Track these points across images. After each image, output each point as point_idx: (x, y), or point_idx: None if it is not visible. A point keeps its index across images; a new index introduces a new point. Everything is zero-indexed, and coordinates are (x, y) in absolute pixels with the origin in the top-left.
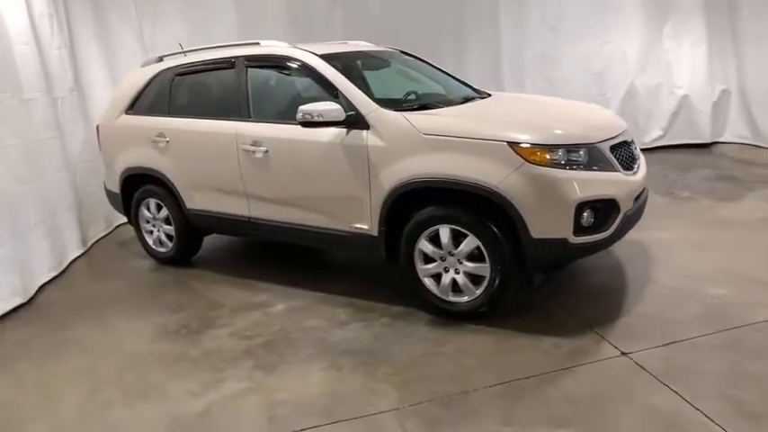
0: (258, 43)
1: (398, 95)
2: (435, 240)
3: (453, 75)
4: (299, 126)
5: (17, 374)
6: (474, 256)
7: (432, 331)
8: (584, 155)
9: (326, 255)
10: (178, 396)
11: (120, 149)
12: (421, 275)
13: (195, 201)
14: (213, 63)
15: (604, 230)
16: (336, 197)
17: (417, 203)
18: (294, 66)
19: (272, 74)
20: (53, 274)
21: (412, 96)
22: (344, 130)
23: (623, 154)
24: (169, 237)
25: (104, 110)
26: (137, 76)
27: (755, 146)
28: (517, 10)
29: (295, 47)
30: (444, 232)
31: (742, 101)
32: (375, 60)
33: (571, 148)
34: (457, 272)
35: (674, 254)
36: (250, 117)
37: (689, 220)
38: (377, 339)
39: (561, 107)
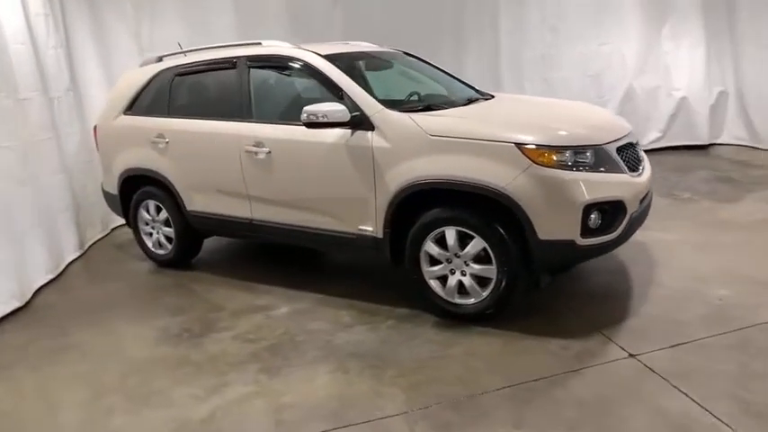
0: (260, 43)
1: (401, 96)
2: (441, 242)
3: (455, 76)
4: (303, 127)
5: (16, 380)
6: (480, 258)
7: (438, 333)
8: (591, 156)
9: (327, 257)
10: (182, 401)
11: (119, 150)
12: (426, 277)
13: (196, 202)
14: (214, 63)
15: (611, 232)
16: (340, 199)
17: (423, 205)
18: (297, 66)
19: (274, 74)
20: (50, 276)
21: (414, 97)
22: (349, 131)
23: (629, 155)
24: (168, 239)
25: (102, 110)
26: (135, 76)
27: (752, 147)
28: (517, 11)
29: (298, 47)
30: (450, 234)
31: (739, 103)
32: (378, 61)
33: (578, 150)
34: (463, 274)
35: (676, 255)
36: (252, 118)
37: (690, 222)
38: (383, 342)
39: (566, 109)
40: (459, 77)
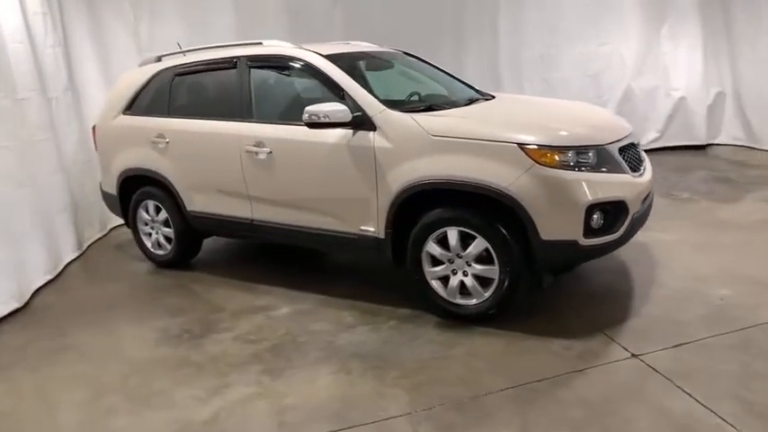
0: (261, 43)
1: (402, 97)
2: (443, 242)
3: (455, 76)
4: (304, 127)
5: (15, 380)
6: (482, 259)
7: (440, 334)
8: (594, 156)
9: (326, 257)
10: (184, 402)
11: (118, 150)
12: (428, 278)
13: (196, 203)
14: (215, 63)
15: (614, 232)
16: (342, 199)
17: (425, 205)
18: (298, 66)
19: (275, 74)
20: (48, 277)
21: (415, 97)
22: (351, 131)
23: (630, 156)
24: (168, 239)
25: (101, 110)
26: (135, 76)
27: (749, 147)
28: (516, 11)
29: (299, 47)
30: (452, 234)
31: (736, 103)
32: (378, 61)
33: (581, 150)
34: (465, 274)
35: (676, 255)
36: (253, 118)
37: (689, 222)
38: (385, 343)
39: (567, 109)
40: (459, 77)
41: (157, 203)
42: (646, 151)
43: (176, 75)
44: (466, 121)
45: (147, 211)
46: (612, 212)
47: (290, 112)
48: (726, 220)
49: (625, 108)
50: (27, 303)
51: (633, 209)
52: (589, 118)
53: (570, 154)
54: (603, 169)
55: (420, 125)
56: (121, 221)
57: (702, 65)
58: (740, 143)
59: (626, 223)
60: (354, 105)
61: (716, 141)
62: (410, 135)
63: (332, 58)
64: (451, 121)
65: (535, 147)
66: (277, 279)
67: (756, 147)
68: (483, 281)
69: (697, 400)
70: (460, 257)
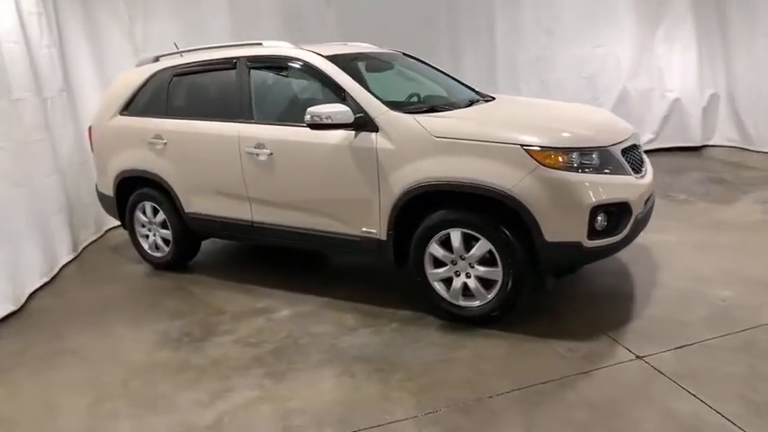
0: (261, 44)
1: (401, 98)
2: (446, 244)
3: (454, 77)
4: (305, 128)
5: (15, 384)
6: (486, 260)
7: (443, 336)
8: (597, 158)
9: (325, 258)
10: (187, 406)
11: (115, 151)
12: (431, 280)
13: (194, 204)
14: (214, 63)
15: (617, 234)
16: (344, 201)
17: (427, 207)
18: (299, 67)
19: (276, 75)
20: (44, 280)
21: (414, 99)
22: (353, 132)
23: (632, 157)
24: (166, 241)
25: (97, 111)
26: (132, 77)
27: (743, 149)
28: (512, 13)
29: (299, 47)
30: (456, 236)
31: (730, 105)
32: (378, 62)
33: (585, 152)
34: (468, 276)
35: (676, 256)
36: (253, 119)
37: (687, 223)
38: (388, 345)
39: (569, 110)
40: (458, 79)
41: (155, 205)
42: None
43: (174, 75)
44: (469, 123)
45: (145, 213)
46: (616, 214)
47: (291, 114)
48: (724, 221)
49: (620, 109)
50: (23, 306)
51: (636, 210)
52: (591, 119)
53: (574, 155)
54: (606, 171)
55: (423, 126)
56: (117, 223)
57: (697, 67)
58: (734, 145)
59: (629, 225)
60: (356, 106)
61: (710, 143)
62: (413, 136)
63: (332, 58)
64: (454, 122)
65: (539, 148)
66: (276, 281)
67: (750, 148)
68: (486, 282)
69: (703, 402)
70: (463, 259)
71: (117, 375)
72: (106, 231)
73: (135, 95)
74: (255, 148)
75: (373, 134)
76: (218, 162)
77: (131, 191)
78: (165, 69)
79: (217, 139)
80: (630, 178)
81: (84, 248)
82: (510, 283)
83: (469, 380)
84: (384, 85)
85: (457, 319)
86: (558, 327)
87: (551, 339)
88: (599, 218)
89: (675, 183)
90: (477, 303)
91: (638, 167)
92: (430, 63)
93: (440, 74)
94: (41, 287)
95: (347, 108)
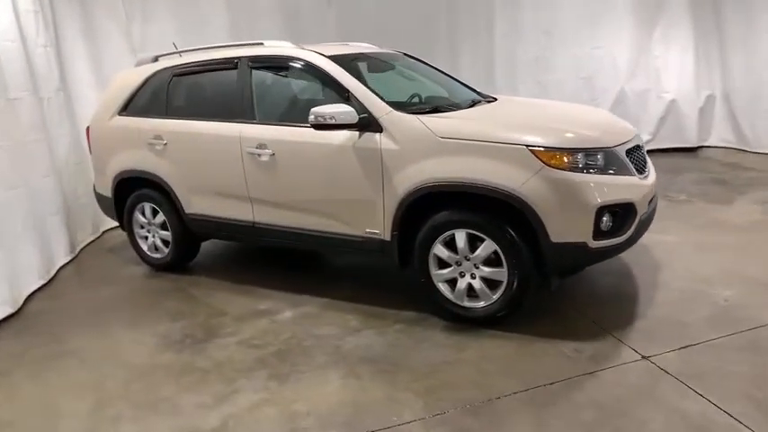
0: (262, 44)
1: (403, 98)
2: (451, 245)
3: (456, 78)
4: (308, 128)
5: (15, 388)
6: (491, 261)
7: (448, 337)
8: (602, 159)
9: (325, 259)
10: (191, 409)
11: (113, 152)
12: (435, 281)
13: (195, 205)
14: (215, 63)
15: (622, 234)
16: (347, 201)
17: (431, 208)
18: (301, 67)
19: (277, 75)
20: (42, 282)
21: (416, 99)
22: (357, 132)
23: (636, 158)
24: (165, 242)
25: (95, 111)
26: (130, 77)
27: (739, 150)
28: (511, 14)
29: (301, 48)
30: (460, 237)
31: (727, 106)
32: (379, 62)
33: (590, 152)
34: (473, 277)
35: (677, 256)
36: (255, 119)
37: (688, 224)
38: (392, 346)
39: (571, 111)
40: (459, 79)
41: (154, 206)
42: None
43: (174, 75)
44: (473, 123)
45: (144, 214)
46: (621, 214)
47: (293, 114)
48: (724, 222)
49: (617, 110)
50: (20, 309)
51: (641, 210)
52: (594, 120)
53: (579, 156)
54: (611, 171)
55: (427, 127)
56: (114, 224)
57: (694, 68)
58: (730, 145)
59: (634, 225)
60: (360, 107)
61: (706, 143)
62: (417, 137)
63: (334, 58)
64: (459, 122)
65: (544, 149)
66: (277, 282)
67: (746, 149)
68: (491, 283)
69: (710, 401)
70: (468, 260)
71: (118, 378)
72: (103, 232)
73: (134, 96)
74: (257, 148)
75: (377, 134)
76: (219, 162)
77: (130, 192)
78: (164, 69)
79: (218, 140)
80: (635, 179)
81: (81, 250)
82: (515, 284)
83: (476, 381)
84: (385, 86)
85: (462, 320)
86: (563, 327)
87: (557, 340)
88: (604, 218)
89: (674, 183)
90: (482, 304)
91: (641, 168)
92: (430, 63)
93: (441, 74)
94: (39, 289)
95: (351, 108)
